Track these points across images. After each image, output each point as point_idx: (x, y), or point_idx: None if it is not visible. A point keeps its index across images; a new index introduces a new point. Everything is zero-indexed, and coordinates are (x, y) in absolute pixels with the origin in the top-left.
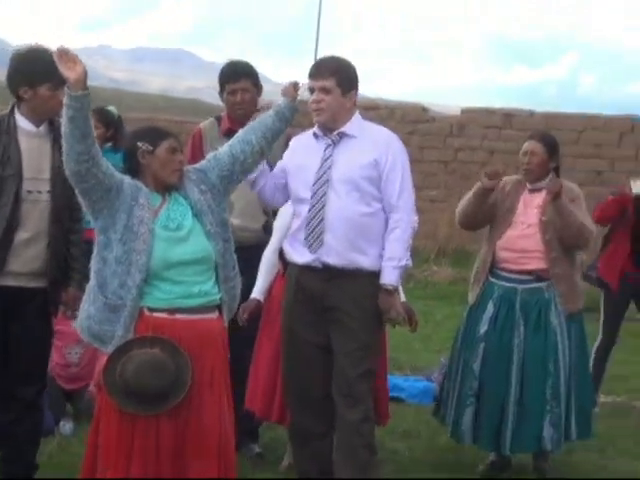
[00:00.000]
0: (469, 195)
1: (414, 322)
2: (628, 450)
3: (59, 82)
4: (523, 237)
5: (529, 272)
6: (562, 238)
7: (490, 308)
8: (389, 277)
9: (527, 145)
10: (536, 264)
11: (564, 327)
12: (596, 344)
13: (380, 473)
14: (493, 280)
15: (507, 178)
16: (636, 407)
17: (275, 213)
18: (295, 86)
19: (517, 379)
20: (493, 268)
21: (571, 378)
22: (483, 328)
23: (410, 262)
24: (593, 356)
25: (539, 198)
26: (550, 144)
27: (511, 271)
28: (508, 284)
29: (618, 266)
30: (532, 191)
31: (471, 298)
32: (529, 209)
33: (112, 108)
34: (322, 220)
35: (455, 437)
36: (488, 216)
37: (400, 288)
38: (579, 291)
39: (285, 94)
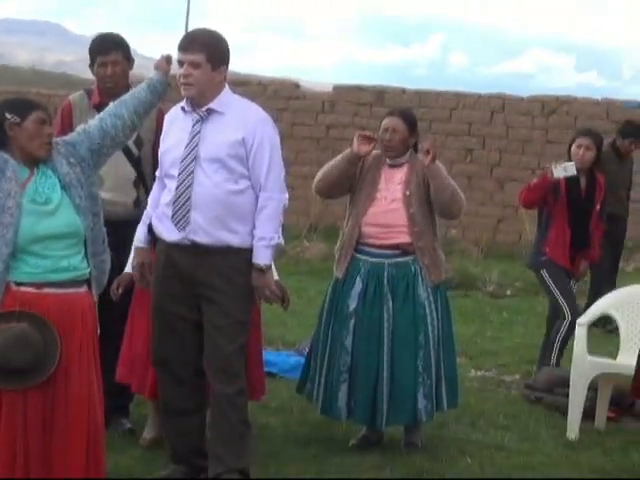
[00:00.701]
0: (336, 160)
1: (286, 300)
2: (497, 423)
3: None
4: (388, 212)
5: (395, 246)
6: (437, 204)
7: (358, 284)
8: (262, 256)
9: (388, 121)
10: (402, 238)
11: (431, 299)
12: (565, 324)
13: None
14: (359, 256)
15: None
16: (505, 381)
17: (147, 188)
18: (168, 59)
19: (389, 353)
20: (358, 244)
21: (440, 349)
22: (352, 304)
23: (282, 240)
24: (561, 336)
25: (400, 173)
26: (411, 120)
27: (377, 246)
28: (375, 259)
29: (566, 247)
30: (392, 166)
31: (338, 273)
32: (391, 184)
33: None
34: (189, 198)
35: (327, 413)
36: (347, 186)
37: (273, 266)
38: (441, 263)
39: (157, 67)
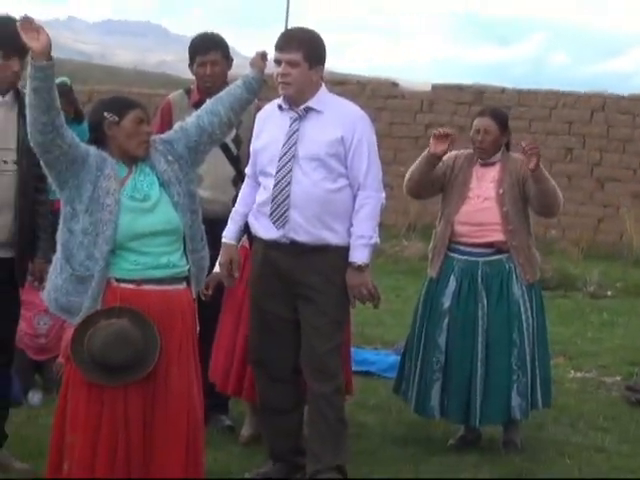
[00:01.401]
0: (417, 161)
1: (376, 298)
2: (597, 424)
3: (12, 51)
4: (480, 210)
5: (489, 244)
6: (538, 205)
7: (452, 283)
8: (360, 255)
9: (479, 122)
10: (495, 236)
11: (526, 297)
12: None
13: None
14: (452, 255)
15: (458, 152)
16: (605, 383)
17: None
18: (263, 56)
19: (483, 351)
20: (451, 243)
21: (534, 347)
22: (446, 303)
23: (378, 240)
24: None
25: (493, 171)
26: (502, 120)
27: (471, 245)
28: (469, 258)
29: None
30: (484, 165)
31: (432, 272)
32: (483, 182)
33: (64, 79)
34: (288, 197)
35: (421, 412)
36: (437, 187)
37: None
38: (536, 262)
39: (253, 64)
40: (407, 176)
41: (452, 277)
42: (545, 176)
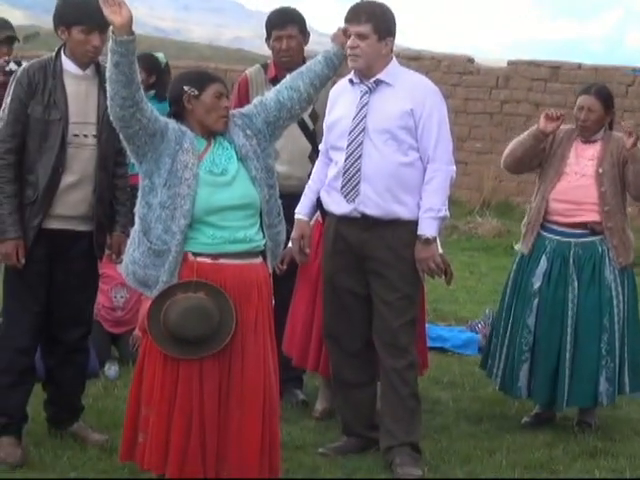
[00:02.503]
0: (522, 136)
1: (449, 274)
2: None
3: (93, 26)
4: (577, 188)
5: (583, 225)
6: (634, 187)
7: (543, 263)
8: (428, 228)
9: (583, 100)
10: (589, 216)
11: (618, 281)
12: None
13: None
14: (545, 234)
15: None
16: None
17: None
18: (345, 32)
19: (572, 334)
20: (545, 221)
21: (624, 332)
22: (537, 283)
23: (448, 213)
24: None
25: (592, 149)
26: (606, 98)
27: (563, 224)
28: (561, 238)
29: None
30: (585, 142)
31: (524, 248)
32: (582, 159)
33: (160, 55)
34: (359, 170)
35: (507, 391)
36: (536, 162)
37: (437, 240)
38: (630, 244)
39: (334, 39)
40: (507, 151)
41: (544, 257)
42: None
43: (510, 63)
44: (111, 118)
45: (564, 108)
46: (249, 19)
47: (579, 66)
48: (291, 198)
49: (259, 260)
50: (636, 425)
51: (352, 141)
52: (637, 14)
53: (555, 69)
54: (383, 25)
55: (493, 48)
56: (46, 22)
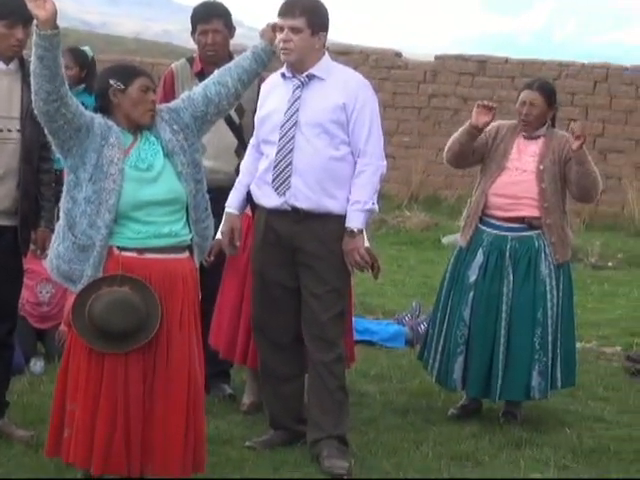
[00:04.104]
0: (458, 132)
1: (376, 268)
2: (597, 394)
3: (16, 20)
4: (517, 183)
5: (520, 219)
6: (577, 188)
7: (480, 256)
8: (354, 220)
9: (525, 95)
10: (528, 211)
11: (553, 277)
12: None
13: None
14: (483, 228)
15: (502, 122)
16: (605, 353)
17: None
18: (273, 28)
19: (506, 327)
20: (484, 215)
21: (558, 328)
22: (473, 276)
23: (376, 207)
24: None
25: (535, 146)
26: (549, 94)
27: (502, 219)
28: (498, 232)
29: None
30: (527, 138)
31: (462, 241)
32: (524, 155)
33: (87, 48)
34: (290, 163)
35: (442, 384)
36: (477, 157)
37: (364, 232)
38: (568, 242)
39: (263, 35)
40: (447, 146)
41: (480, 250)
42: (587, 159)
43: (437, 57)
44: (35, 112)
45: (491, 101)
46: (178, 12)
47: (506, 60)
48: (218, 192)
49: (185, 254)
50: (561, 416)
51: (284, 135)
52: (570, 5)
53: (482, 63)
54: (317, 20)
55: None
56: None
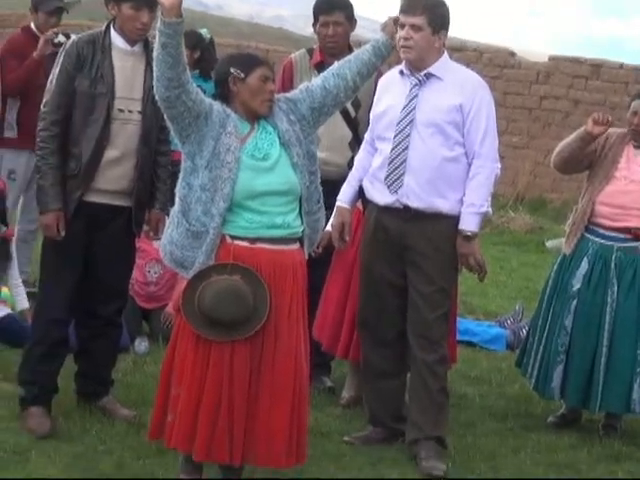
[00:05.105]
0: (570, 137)
1: (483, 271)
2: None
3: (143, 3)
4: (625, 192)
5: (627, 230)
6: None
7: (584, 265)
8: (469, 223)
9: (637, 105)
10: (635, 222)
11: None
12: None
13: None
14: (588, 236)
15: (612, 130)
16: None
17: None
18: (395, 22)
19: (608, 338)
20: (589, 223)
21: None
22: (576, 285)
23: (490, 209)
24: None
25: None
26: None
27: (608, 228)
28: (604, 241)
29: None
30: (637, 147)
31: (566, 249)
32: (633, 165)
33: (204, 31)
34: (404, 161)
35: (540, 392)
36: (585, 163)
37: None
38: None
39: (384, 29)
40: (556, 150)
41: (585, 259)
42: None
43: (551, 58)
44: (156, 98)
45: (603, 107)
46: None
47: (621, 65)
48: (329, 184)
49: (296, 246)
50: None
51: (399, 132)
52: None
53: (596, 67)
54: (438, 18)
55: (535, 41)
56: None
